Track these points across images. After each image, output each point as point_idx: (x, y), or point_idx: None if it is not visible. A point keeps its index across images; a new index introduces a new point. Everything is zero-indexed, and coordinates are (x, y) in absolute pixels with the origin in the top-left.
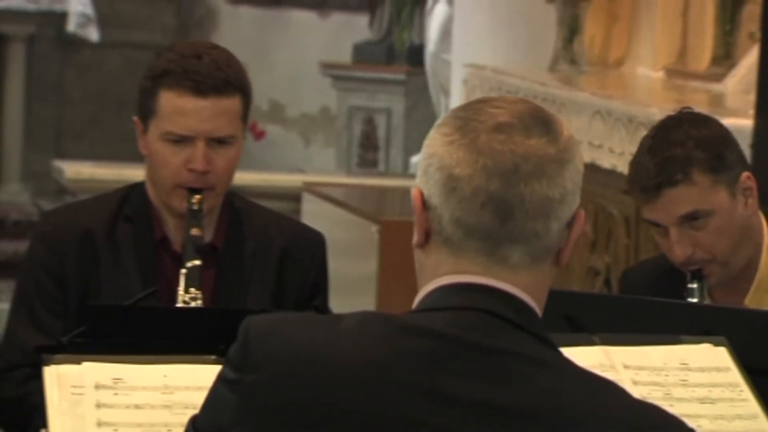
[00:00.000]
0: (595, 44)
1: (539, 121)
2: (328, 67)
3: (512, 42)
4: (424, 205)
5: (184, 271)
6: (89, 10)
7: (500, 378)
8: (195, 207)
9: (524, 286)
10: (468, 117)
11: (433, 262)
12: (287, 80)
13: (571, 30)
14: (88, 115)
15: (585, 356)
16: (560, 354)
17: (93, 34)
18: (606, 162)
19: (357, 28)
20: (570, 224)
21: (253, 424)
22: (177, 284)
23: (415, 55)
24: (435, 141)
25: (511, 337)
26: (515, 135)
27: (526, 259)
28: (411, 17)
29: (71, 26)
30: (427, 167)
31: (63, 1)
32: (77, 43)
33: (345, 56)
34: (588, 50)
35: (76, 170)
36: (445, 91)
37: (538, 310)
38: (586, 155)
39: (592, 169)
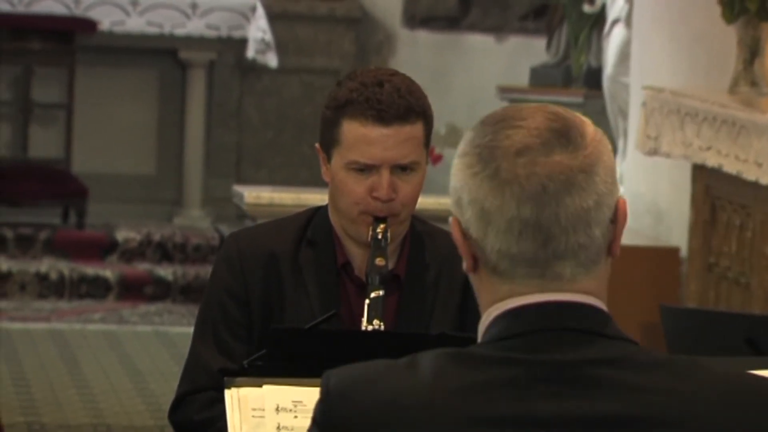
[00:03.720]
0: None
1: (558, 133)
2: (505, 91)
3: (692, 64)
4: (464, 235)
5: (367, 302)
6: (268, 36)
7: (587, 389)
8: (380, 236)
9: (586, 292)
10: (486, 144)
11: (488, 287)
12: (465, 104)
13: (751, 51)
14: (267, 140)
15: None
16: (639, 347)
17: (272, 60)
18: None
19: (534, 51)
20: (613, 219)
21: None
22: (358, 309)
23: (593, 78)
24: (460, 172)
25: (586, 345)
26: (536, 156)
27: (581, 270)
28: (588, 40)
29: (250, 53)
30: (459, 199)
31: (242, 28)
32: (257, 69)
33: (522, 80)
34: None
35: (255, 195)
36: (624, 114)
37: (604, 307)
38: None
39: None
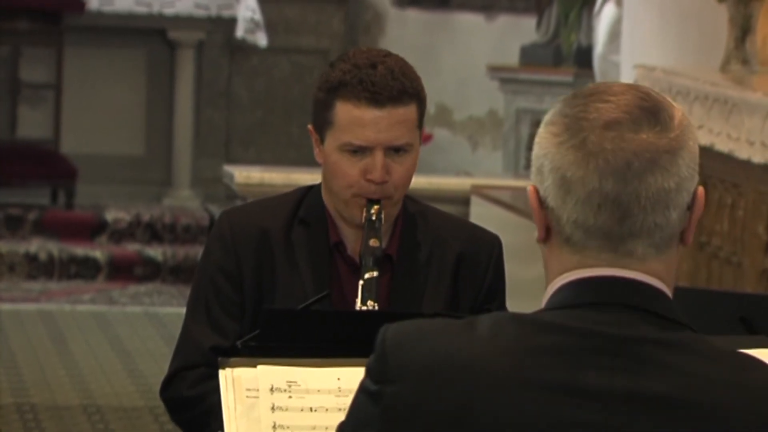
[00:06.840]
0: (767, 44)
1: (648, 112)
2: (495, 70)
3: (683, 42)
4: (541, 204)
5: (361, 282)
6: (257, 16)
7: (640, 367)
8: (373, 218)
9: (654, 273)
10: (576, 115)
11: (557, 258)
12: (454, 83)
13: (742, 30)
14: (257, 120)
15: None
16: (700, 336)
17: (261, 39)
18: None
19: (524, 30)
20: (690, 206)
21: None
22: (350, 289)
23: (583, 56)
24: (545, 140)
25: (646, 324)
26: (625, 131)
27: (652, 251)
28: (579, 19)
29: (240, 32)
30: (540, 167)
31: (231, 7)
32: (246, 48)
33: (512, 59)
34: (760, 50)
35: (246, 175)
36: None
37: (669, 292)
38: (760, 156)
39: (765, 170)
